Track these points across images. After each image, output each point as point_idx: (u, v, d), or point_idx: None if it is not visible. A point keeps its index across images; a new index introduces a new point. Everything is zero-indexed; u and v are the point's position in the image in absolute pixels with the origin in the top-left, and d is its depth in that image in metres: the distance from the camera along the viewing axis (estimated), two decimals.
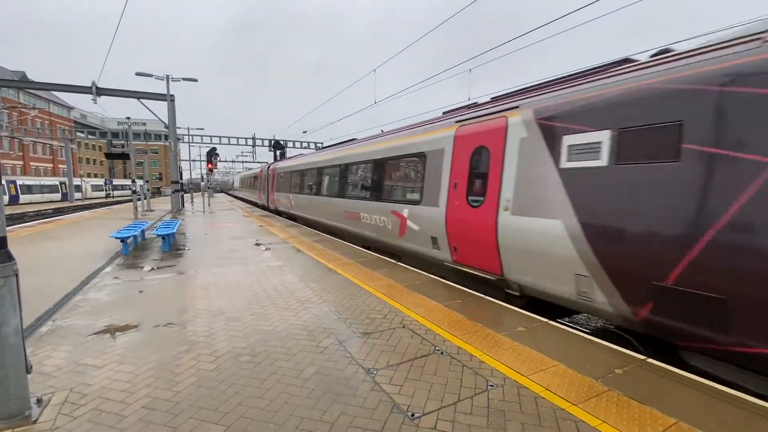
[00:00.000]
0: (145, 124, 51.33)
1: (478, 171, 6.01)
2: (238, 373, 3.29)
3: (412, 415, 2.70)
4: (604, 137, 4.15)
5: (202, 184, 37.40)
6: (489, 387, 3.07)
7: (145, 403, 2.83)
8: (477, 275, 5.99)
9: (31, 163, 50.84)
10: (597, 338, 4.00)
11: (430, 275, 6.71)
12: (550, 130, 4.80)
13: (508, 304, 5.15)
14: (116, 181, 62.03)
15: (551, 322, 4.45)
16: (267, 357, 3.58)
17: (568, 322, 6.01)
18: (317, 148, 34.53)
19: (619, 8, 7.63)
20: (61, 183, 42.44)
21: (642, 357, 3.53)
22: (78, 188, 45.26)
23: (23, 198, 35.98)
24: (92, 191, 51.64)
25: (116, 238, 8.73)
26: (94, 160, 71.18)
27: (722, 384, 3.09)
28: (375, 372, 3.31)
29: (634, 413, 2.69)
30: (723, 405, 2.76)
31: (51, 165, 55.26)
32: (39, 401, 2.82)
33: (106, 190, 56.14)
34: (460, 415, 2.70)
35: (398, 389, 3.04)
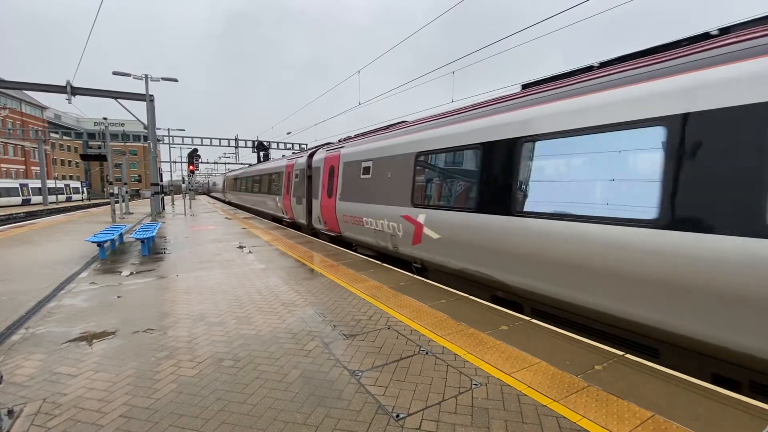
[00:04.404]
0: (123, 124, 49.94)
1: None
2: (220, 378, 3.24)
3: (398, 415, 2.71)
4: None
5: (183, 186, 36.30)
6: (473, 386, 3.10)
7: (123, 412, 2.76)
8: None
9: (2, 165, 48.75)
10: (578, 335, 4.09)
11: (415, 276, 6.75)
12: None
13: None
14: (35, 183, 42.88)
15: (533, 320, 4.53)
16: (250, 362, 3.54)
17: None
18: (301, 149, 34.23)
19: (602, 11, 7.84)
20: None
21: (620, 353, 3.62)
22: None
23: None
24: None
25: (93, 242, 8.47)
26: (69, 162, 68.79)
27: (695, 377, 3.20)
28: (360, 374, 3.30)
29: (613, 408, 2.76)
30: (696, 397, 2.87)
31: (23, 167, 53.04)
32: (10, 413, 2.71)
33: (22, 195, 39.31)
34: (444, 415, 2.72)
35: (383, 390, 3.04)
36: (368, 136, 9.69)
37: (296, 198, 14.19)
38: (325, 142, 14.82)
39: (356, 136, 10.90)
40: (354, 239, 9.90)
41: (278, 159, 20.00)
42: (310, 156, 13.24)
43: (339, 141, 12.09)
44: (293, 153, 17.95)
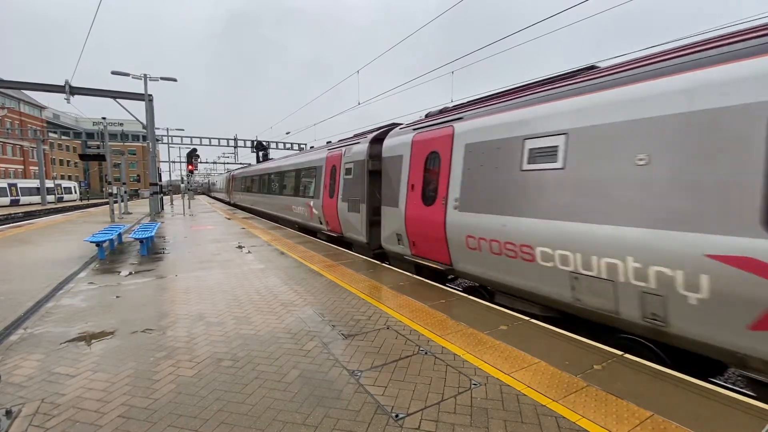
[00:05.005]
0: (122, 124, 49.87)
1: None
2: (219, 378, 3.23)
3: (397, 416, 2.70)
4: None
5: (182, 185, 36.19)
6: (472, 386, 3.10)
7: (122, 412, 2.75)
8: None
9: (1, 165, 48.65)
10: (577, 335, 4.09)
11: (414, 276, 6.74)
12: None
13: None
14: (24, 183, 39.93)
15: (533, 320, 4.53)
16: (249, 362, 3.53)
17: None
18: (300, 149, 34.23)
19: (600, 12, 7.85)
20: None
21: (619, 353, 3.62)
22: None
23: None
24: None
25: (91, 242, 8.45)
26: (68, 162, 68.71)
27: (695, 377, 3.20)
28: (359, 374, 3.30)
29: (612, 407, 2.76)
30: (695, 397, 2.87)
31: (22, 167, 52.91)
32: (8, 413, 2.71)
33: (10, 195, 36.87)
34: (443, 415, 2.72)
35: (383, 390, 3.03)
36: (513, 96, 5.52)
37: (349, 203, 9.97)
38: (377, 126, 10.26)
39: (461, 105, 6.91)
40: (494, 282, 5.54)
41: (310, 150, 15.28)
42: (376, 141, 9.13)
43: (428, 116, 7.69)
44: (334, 142, 13.12)
